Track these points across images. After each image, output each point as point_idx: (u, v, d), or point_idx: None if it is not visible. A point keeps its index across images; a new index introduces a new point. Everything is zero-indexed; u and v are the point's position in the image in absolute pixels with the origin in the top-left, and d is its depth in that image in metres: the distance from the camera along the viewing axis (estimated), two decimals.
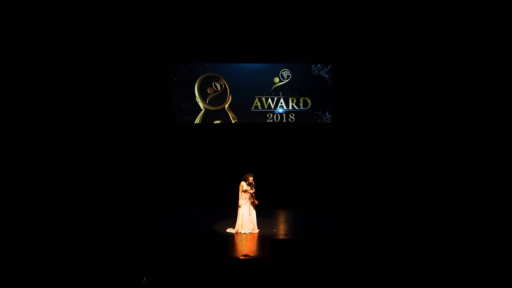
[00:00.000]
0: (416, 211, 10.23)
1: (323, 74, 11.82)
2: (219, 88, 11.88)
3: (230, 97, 11.89)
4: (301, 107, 11.92)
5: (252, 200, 9.12)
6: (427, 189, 10.73)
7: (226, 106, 11.90)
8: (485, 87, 10.15)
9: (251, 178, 9.13)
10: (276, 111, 11.94)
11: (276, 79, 11.88)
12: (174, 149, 11.82)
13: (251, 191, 9.09)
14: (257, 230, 9.17)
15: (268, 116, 11.93)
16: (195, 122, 11.85)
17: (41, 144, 10.47)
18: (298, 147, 11.98)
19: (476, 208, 9.69)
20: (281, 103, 11.92)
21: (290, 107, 11.94)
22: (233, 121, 11.91)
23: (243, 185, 9.15)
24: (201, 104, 11.86)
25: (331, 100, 11.83)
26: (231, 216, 9.45)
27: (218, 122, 11.83)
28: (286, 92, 11.91)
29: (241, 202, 9.16)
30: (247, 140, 11.89)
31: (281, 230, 9.59)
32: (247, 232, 9.10)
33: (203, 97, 11.85)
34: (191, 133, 11.89)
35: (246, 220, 9.13)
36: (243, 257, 7.63)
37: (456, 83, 10.58)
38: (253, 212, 9.19)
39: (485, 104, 10.17)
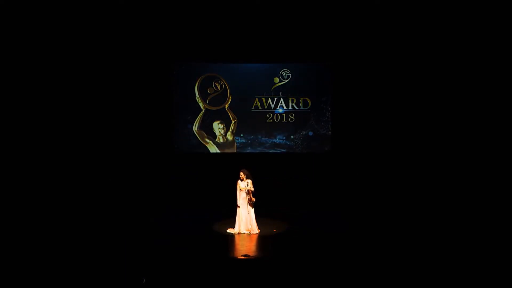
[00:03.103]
0: (416, 211, 10.25)
1: (323, 74, 11.82)
2: (219, 88, 11.89)
3: (230, 97, 11.89)
4: (301, 107, 11.92)
5: (249, 197, 9.10)
6: (427, 189, 10.73)
7: (226, 106, 11.90)
8: (489, 89, 10.14)
9: (242, 174, 9.13)
10: (276, 111, 11.93)
11: (276, 79, 11.87)
12: (174, 149, 11.82)
13: (247, 188, 9.08)
14: (257, 231, 9.17)
15: (268, 116, 11.93)
16: (195, 122, 11.85)
17: (39, 143, 10.47)
18: (298, 150, 11.99)
19: (476, 207, 9.71)
20: (281, 103, 11.92)
21: (290, 107, 11.94)
22: (233, 121, 11.91)
23: (239, 183, 9.17)
24: (201, 104, 11.86)
25: (331, 101, 11.82)
26: (231, 216, 9.44)
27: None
28: (286, 92, 11.90)
29: (239, 202, 9.17)
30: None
31: (281, 230, 9.57)
32: (247, 232, 9.11)
33: (203, 97, 11.86)
34: (191, 135, 11.88)
35: (244, 220, 9.13)
36: (243, 257, 7.63)
37: (458, 84, 10.58)
38: (252, 212, 9.16)
39: (491, 108, 10.16)
